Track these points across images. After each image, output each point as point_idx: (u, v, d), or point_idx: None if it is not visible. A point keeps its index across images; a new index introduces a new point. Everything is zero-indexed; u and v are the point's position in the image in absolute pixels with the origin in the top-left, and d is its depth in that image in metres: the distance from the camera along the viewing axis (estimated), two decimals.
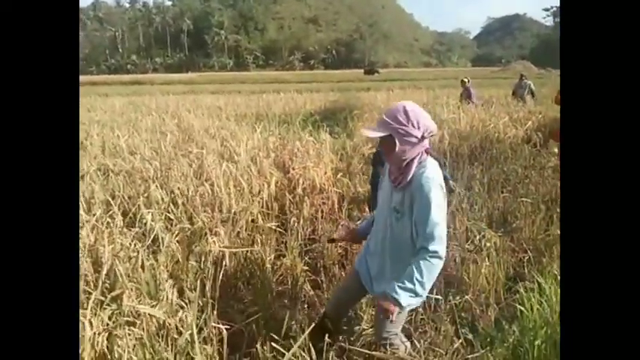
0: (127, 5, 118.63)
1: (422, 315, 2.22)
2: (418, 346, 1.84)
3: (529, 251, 2.80)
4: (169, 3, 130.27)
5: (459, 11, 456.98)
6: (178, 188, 3.38)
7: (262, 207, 3.19)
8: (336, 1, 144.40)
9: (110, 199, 3.02)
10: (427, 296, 1.74)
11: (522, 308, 1.87)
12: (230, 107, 9.83)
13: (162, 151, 4.57)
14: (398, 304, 1.50)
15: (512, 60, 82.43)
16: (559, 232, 2.80)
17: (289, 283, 2.63)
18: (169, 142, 5.13)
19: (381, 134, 1.57)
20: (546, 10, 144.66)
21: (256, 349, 1.81)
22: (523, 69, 43.34)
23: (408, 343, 1.80)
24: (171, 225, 2.71)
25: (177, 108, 9.94)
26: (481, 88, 15.57)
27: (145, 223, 2.59)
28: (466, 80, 9.46)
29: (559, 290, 2.03)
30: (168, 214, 2.85)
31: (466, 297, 2.32)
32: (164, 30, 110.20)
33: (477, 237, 3.01)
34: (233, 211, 2.93)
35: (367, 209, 3.56)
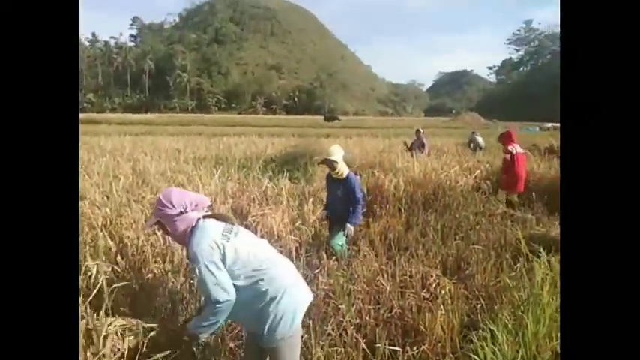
0: (87, 44, 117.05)
1: None
2: None
3: (481, 298, 2.88)
4: (132, 44, 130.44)
5: (412, 65, 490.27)
6: (128, 237, 3.23)
7: None
8: (297, 50, 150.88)
9: None
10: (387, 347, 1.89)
11: (477, 358, 1.89)
12: (189, 150, 9.72)
13: (114, 196, 4.38)
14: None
15: (461, 111, 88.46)
16: (508, 280, 2.90)
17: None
18: (122, 186, 4.95)
19: (153, 222, 1.95)
20: (490, 68, 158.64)
21: None
22: (472, 120, 46.58)
23: None
24: (118, 277, 2.55)
25: (133, 150, 9.68)
26: (434, 137, 16.48)
27: (90, 276, 2.43)
28: (421, 130, 9.97)
29: (510, 338, 2.09)
30: (115, 266, 2.69)
31: (423, 347, 2.31)
32: (124, 69, 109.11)
33: (433, 284, 3.07)
34: (185, 262, 2.82)
35: (324, 256, 3.55)
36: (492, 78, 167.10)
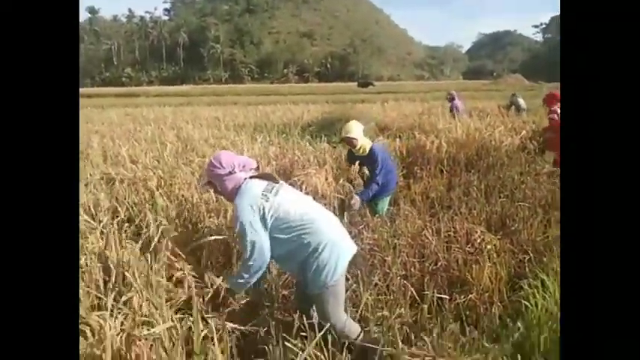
0: (124, 20, 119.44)
1: (427, 314, 2.26)
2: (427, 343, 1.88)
3: (529, 252, 2.86)
4: (166, 17, 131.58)
5: (450, 27, 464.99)
6: (182, 196, 3.42)
7: None
8: (330, 16, 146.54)
9: (118, 206, 3.05)
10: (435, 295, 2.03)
11: (527, 304, 1.92)
12: (228, 118, 9.91)
13: (164, 160, 4.61)
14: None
15: (503, 73, 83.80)
16: (558, 233, 2.86)
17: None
18: (170, 151, 5.17)
19: (204, 181, 2.22)
20: (535, 26, 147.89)
21: (269, 349, 1.83)
22: (515, 81, 44.03)
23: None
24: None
25: (174, 119, 10.00)
26: (474, 100, 15.82)
27: (148, 233, 2.62)
28: (454, 93, 9.70)
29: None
30: (175, 221, 2.88)
31: (470, 296, 2.36)
32: (160, 43, 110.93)
33: (478, 240, 3.07)
34: None
35: (368, 213, 3.61)
36: (538, 37, 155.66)
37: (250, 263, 1.94)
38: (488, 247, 2.97)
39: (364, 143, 3.73)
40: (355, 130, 3.72)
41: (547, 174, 4.94)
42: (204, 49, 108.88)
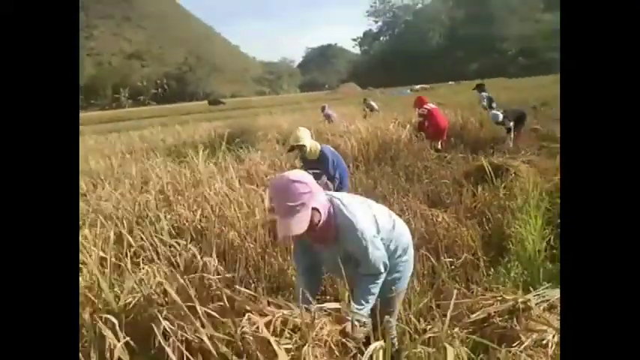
0: None
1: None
2: None
3: (475, 216, 3.54)
4: None
5: (279, 42, 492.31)
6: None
7: None
8: (158, 34, 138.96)
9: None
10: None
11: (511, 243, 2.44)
12: (114, 146, 8.56)
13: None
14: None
15: (334, 84, 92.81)
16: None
17: None
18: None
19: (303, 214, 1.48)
20: (354, 39, 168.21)
21: None
22: (350, 90, 49.50)
23: None
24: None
25: None
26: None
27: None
28: (326, 105, 11.98)
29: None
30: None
31: (465, 255, 2.83)
32: None
33: (431, 216, 3.61)
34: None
35: None
36: (357, 50, 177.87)
37: (381, 276, 1.68)
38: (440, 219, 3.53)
39: (313, 146, 3.89)
40: (303, 136, 3.85)
41: (437, 157, 6.01)
42: None
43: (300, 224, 1.46)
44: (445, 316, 1.82)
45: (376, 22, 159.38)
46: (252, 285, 2.38)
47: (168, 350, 1.33)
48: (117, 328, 1.46)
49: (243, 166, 4.46)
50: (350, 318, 1.53)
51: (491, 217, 3.48)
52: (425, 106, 6.96)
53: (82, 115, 57.38)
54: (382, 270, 1.66)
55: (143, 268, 2.00)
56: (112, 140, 9.93)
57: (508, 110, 7.47)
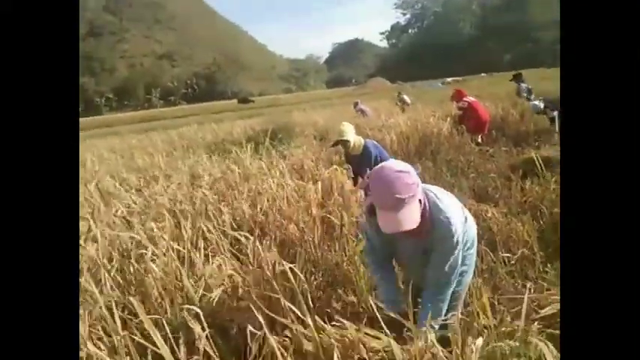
0: None
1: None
2: None
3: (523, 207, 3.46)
4: None
5: (305, 39, 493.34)
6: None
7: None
8: (188, 35, 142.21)
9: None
10: None
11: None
12: (159, 145, 8.89)
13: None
14: None
15: (360, 79, 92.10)
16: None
17: None
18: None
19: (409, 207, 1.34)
20: (382, 33, 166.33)
21: None
22: (378, 84, 48.99)
23: None
24: None
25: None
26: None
27: None
28: (358, 101, 11.79)
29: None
30: None
31: (523, 250, 2.78)
32: None
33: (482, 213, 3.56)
34: None
35: None
36: (384, 43, 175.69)
37: (450, 290, 1.60)
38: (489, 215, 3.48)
39: (357, 141, 3.90)
40: (347, 130, 3.87)
41: (479, 150, 5.89)
42: None
43: (411, 218, 1.32)
44: (510, 311, 1.82)
45: (404, 14, 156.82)
46: (312, 277, 2.42)
47: (253, 346, 1.39)
48: (201, 317, 1.52)
49: (289, 161, 4.52)
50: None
51: (545, 212, 3.38)
52: (465, 99, 6.81)
53: (119, 115, 60.22)
54: (450, 280, 1.58)
55: (212, 262, 2.08)
56: (152, 138, 10.27)
57: (548, 100, 7.20)
